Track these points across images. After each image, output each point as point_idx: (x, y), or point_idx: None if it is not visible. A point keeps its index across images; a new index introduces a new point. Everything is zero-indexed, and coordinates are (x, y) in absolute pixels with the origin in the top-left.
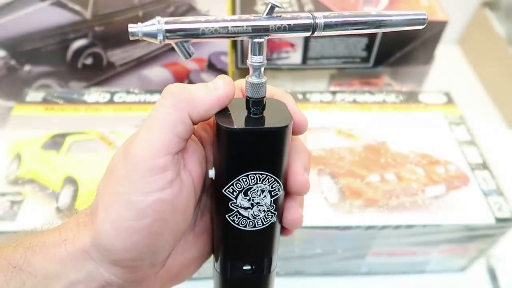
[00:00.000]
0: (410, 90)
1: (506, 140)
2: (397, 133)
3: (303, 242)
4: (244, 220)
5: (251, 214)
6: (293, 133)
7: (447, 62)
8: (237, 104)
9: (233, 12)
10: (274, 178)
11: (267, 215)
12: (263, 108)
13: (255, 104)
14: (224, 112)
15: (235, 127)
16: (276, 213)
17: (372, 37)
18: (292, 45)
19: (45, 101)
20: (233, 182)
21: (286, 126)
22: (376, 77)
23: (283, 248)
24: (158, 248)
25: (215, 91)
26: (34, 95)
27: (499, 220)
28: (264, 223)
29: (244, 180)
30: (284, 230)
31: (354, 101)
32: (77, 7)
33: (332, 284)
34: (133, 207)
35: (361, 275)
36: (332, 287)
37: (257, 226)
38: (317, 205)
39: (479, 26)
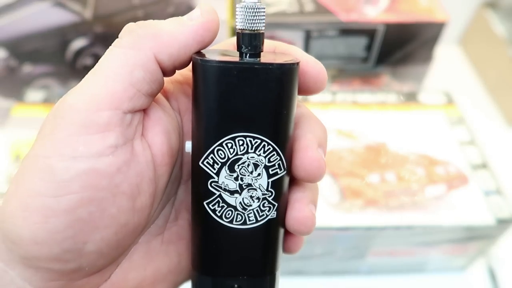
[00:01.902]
0: (410, 90)
1: (506, 140)
2: (397, 133)
3: (303, 242)
4: (230, 212)
5: (240, 203)
6: (308, 88)
7: (447, 62)
8: (224, 51)
9: (234, 12)
10: (273, 147)
11: (263, 206)
12: (260, 50)
13: (249, 40)
14: (205, 55)
15: (216, 59)
16: (277, 205)
17: (372, 37)
18: None
19: (45, 101)
20: (214, 149)
21: (292, 66)
22: (376, 77)
23: None
24: (88, 245)
25: (190, 22)
26: (34, 95)
27: (499, 220)
28: (259, 218)
29: (229, 145)
30: (288, 241)
31: (354, 101)
32: (77, 8)
33: (332, 284)
34: (52, 177)
35: (361, 275)
36: (332, 287)
37: (248, 222)
38: (317, 205)
39: (479, 26)
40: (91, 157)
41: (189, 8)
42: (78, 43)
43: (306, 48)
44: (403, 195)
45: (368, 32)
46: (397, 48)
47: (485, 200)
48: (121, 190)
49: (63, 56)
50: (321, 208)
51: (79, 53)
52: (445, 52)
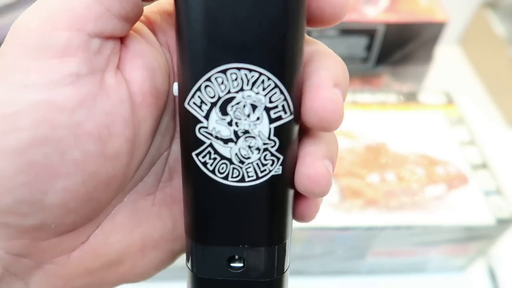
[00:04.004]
0: (410, 90)
1: (506, 140)
2: (397, 133)
3: (303, 242)
4: (224, 165)
5: (236, 154)
6: (322, 14)
7: (447, 62)
8: None
9: None
10: (274, 82)
11: (265, 158)
12: None
13: None
14: None
15: None
16: (282, 158)
17: (372, 37)
18: None
19: None
20: (200, 85)
21: None
22: (376, 77)
23: None
24: (49, 195)
25: None
26: None
27: (499, 220)
28: (260, 174)
29: (219, 80)
30: (299, 205)
31: (354, 101)
32: None
33: (332, 284)
34: None
35: (361, 275)
36: (332, 287)
37: (247, 178)
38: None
39: (479, 26)
40: (45, 86)
41: None
42: None
43: None
44: (403, 195)
45: (368, 32)
46: (397, 48)
47: (485, 200)
48: (85, 130)
49: None
50: (321, 208)
51: None
52: (445, 52)
